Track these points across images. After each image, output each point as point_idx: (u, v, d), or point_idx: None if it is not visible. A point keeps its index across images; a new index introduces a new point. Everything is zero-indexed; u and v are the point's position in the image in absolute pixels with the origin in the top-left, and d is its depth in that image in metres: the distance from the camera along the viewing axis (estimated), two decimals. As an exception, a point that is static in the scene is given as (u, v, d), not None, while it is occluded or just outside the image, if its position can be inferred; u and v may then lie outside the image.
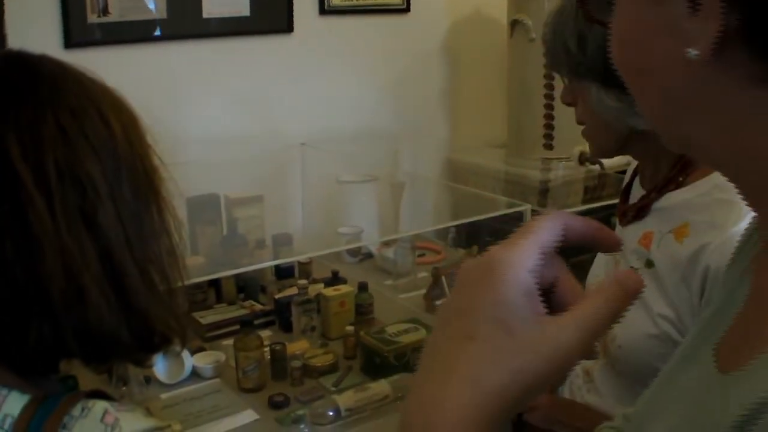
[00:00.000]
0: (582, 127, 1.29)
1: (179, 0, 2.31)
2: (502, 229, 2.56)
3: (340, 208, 2.63)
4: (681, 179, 1.25)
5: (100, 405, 0.79)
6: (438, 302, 2.24)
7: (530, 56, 2.65)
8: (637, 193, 1.34)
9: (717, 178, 1.22)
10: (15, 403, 0.77)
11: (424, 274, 2.44)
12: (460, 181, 2.92)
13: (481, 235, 2.66)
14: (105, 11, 2.18)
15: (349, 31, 2.67)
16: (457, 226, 2.62)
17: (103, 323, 0.78)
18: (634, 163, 1.39)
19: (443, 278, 2.24)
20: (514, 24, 2.70)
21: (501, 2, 2.77)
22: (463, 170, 2.98)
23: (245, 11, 2.43)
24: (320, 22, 2.61)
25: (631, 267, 1.25)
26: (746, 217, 1.20)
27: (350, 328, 1.96)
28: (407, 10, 2.76)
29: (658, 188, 1.26)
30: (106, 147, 0.82)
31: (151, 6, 2.26)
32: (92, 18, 2.18)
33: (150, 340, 0.83)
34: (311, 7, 2.58)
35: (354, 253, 2.60)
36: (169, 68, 2.36)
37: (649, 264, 1.24)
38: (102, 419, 0.78)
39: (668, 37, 0.50)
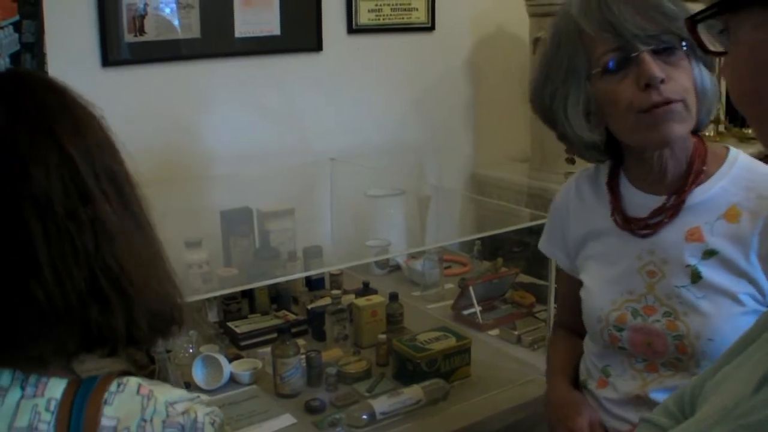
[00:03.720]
0: None
1: (212, 20, 2.38)
2: (526, 241, 2.62)
3: (368, 222, 2.68)
4: (706, 169, 1.32)
5: (133, 380, 0.89)
6: (465, 312, 2.29)
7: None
8: (630, 195, 1.37)
9: (736, 163, 1.33)
10: (56, 387, 0.86)
11: (450, 286, 2.50)
12: (484, 195, 2.98)
13: (506, 247, 2.72)
14: (141, 31, 2.26)
15: (376, 49, 2.74)
16: (482, 239, 2.66)
17: (120, 316, 0.87)
18: (605, 167, 1.44)
19: (470, 288, 2.29)
20: (536, 41, 2.76)
21: (523, 20, 2.83)
22: (487, 184, 3.03)
23: (276, 30, 2.51)
24: (349, 40, 2.68)
25: (687, 266, 1.29)
26: None
27: (382, 337, 2.01)
28: (432, 28, 2.83)
29: (689, 181, 1.31)
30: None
31: (186, 26, 2.34)
32: (129, 38, 2.26)
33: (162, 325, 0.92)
34: (340, 26, 2.65)
35: (382, 265, 2.65)
36: (202, 85, 2.43)
37: (711, 253, 1.29)
38: (138, 392, 0.87)
39: None
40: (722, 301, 1.27)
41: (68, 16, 2.15)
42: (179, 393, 0.92)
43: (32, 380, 0.86)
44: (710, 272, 1.28)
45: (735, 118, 3.41)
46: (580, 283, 1.46)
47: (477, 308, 2.27)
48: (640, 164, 1.35)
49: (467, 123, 3.03)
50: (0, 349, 0.85)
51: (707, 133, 3.40)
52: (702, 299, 1.28)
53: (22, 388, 0.85)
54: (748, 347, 0.70)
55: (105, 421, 0.85)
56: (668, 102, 1.23)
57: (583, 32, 1.28)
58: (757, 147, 3.24)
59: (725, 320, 1.26)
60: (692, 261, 1.30)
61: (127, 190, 0.94)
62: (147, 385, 0.89)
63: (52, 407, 0.85)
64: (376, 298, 2.18)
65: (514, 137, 3.06)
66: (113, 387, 0.87)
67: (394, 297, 2.17)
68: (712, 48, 0.65)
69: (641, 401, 1.35)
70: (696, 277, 1.29)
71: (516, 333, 2.15)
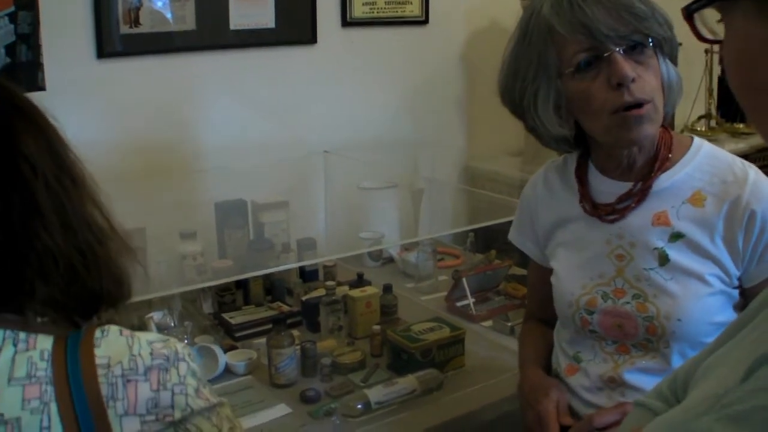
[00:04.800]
0: None
1: (208, 12, 2.39)
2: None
3: (361, 214, 2.70)
4: (672, 156, 1.37)
5: (113, 327, 0.98)
6: (459, 303, 2.30)
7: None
8: (598, 183, 1.41)
9: (700, 151, 1.38)
10: (45, 340, 0.94)
11: (444, 278, 2.52)
12: (477, 187, 2.99)
13: (499, 239, 2.73)
14: (136, 22, 2.27)
15: (370, 42, 2.75)
16: (475, 231, 2.68)
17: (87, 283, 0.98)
18: (572, 158, 1.47)
19: (464, 280, 2.31)
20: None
21: (516, 13, 2.83)
22: (480, 177, 3.05)
23: (271, 23, 2.51)
24: (343, 33, 2.69)
25: (654, 248, 1.34)
26: (749, 166, 1.35)
27: (377, 328, 2.03)
28: (426, 21, 2.84)
29: (654, 168, 1.36)
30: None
31: (181, 18, 2.34)
32: (124, 29, 2.26)
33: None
34: (334, 18, 2.66)
35: (375, 257, 2.67)
36: (197, 78, 2.44)
37: (677, 236, 1.34)
38: (120, 334, 0.97)
39: None
40: (690, 282, 1.32)
41: (64, 7, 2.16)
42: (155, 334, 1.03)
43: (22, 336, 0.93)
44: (677, 254, 1.33)
45: (727, 113, 3.43)
46: (549, 273, 1.49)
47: (470, 300, 2.29)
48: (608, 156, 1.39)
49: (461, 116, 3.05)
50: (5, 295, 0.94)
51: (699, 128, 3.44)
52: (670, 281, 1.33)
53: (14, 345, 0.92)
54: (742, 330, 0.72)
55: (98, 360, 0.93)
56: (639, 104, 1.27)
57: (555, 31, 1.30)
58: (750, 142, 3.28)
59: (693, 301, 1.30)
60: (660, 244, 1.34)
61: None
62: (126, 330, 0.99)
63: (45, 356, 0.92)
64: (370, 290, 2.19)
65: (507, 130, 3.05)
66: (98, 333, 0.96)
67: (388, 288, 2.19)
68: (709, 36, 0.66)
69: (615, 383, 1.39)
70: (664, 260, 1.34)
71: (509, 324, 2.17)
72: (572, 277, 1.44)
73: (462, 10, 2.93)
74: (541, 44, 1.33)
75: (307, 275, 2.39)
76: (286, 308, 2.23)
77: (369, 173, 2.70)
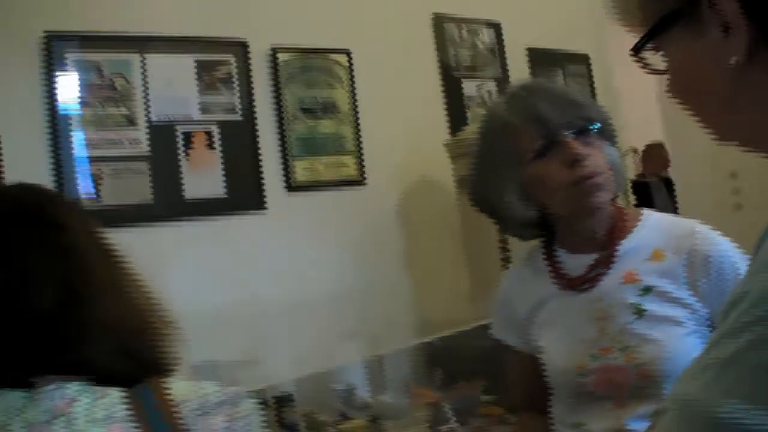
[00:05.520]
0: None
1: (163, 184, 2.50)
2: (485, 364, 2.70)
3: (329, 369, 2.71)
4: (627, 225, 1.54)
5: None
6: (443, 428, 2.31)
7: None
8: (566, 259, 1.55)
9: (650, 217, 1.56)
10: (116, 390, 0.99)
11: (420, 413, 2.52)
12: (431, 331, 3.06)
13: (466, 371, 2.79)
14: (97, 195, 2.35)
15: (314, 204, 2.89)
16: (440, 370, 2.72)
17: None
18: (537, 248, 1.63)
19: (445, 405, 2.33)
20: (461, 181, 2.99)
21: (446, 166, 3.08)
22: (433, 323, 3.12)
23: (221, 191, 2.64)
24: (289, 198, 2.83)
25: (630, 304, 1.47)
26: (692, 221, 1.54)
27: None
28: (363, 181, 3.02)
29: (614, 238, 1.53)
30: None
31: (138, 190, 2.45)
32: (85, 203, 2.34)
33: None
34: (279, 184, 2.81)
35: (350, 405, 2.65)
36: (155, 247, 2.49)
37: (648, 290, 1.47)
38: (182, 382, 1.03)
39: (713, 58, 0.71)
40: (667, 327, 1.44)
41: (26, 176, 2.23)
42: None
43: (95, 387, 0.99)
44: (651, 305, 1.46)
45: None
46: (534, 362, 1.59)
47: (454, 423, 2.30)
48: (571, 232, 1.55)
49: (405, 267, 3.16)
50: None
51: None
52: (650, 329, 1.45)
53: (90, 393, 0.98)
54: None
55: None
56: (593, 175, 1.46)
57: (511, 126, 1.51)
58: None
59: (674, 342, 1.42)
60: (633, 299, 1.47)
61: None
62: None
63: (121, 401, 0.98)
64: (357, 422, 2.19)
65: (453, 277, 3.21)
66: (163, 382, 1.02)
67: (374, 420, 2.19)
68: (660, 68, 0.83)
69: None
70: (640, 312, 1.46)
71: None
72: (560, 348, 1.53)
73: (394, 168, 3.13)
74: (501, 140, 1.54)
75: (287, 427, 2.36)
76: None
77: (329, 326, 2.75)
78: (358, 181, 3.02)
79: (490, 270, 2.97)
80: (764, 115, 0.72)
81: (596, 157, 1.48)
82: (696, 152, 4.23)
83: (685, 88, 0.79)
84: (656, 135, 5.54)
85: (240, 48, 2.65)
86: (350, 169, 2.99)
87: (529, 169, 1.50)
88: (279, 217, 2.80)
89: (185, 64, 2.54)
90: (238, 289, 2.66)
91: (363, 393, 2.66)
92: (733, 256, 1.46)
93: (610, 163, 1.52)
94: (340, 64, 2.94)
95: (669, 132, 4.98)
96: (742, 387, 0.61)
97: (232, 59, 2.64)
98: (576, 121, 1.49)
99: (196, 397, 1.00)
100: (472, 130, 3.01)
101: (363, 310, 3.02)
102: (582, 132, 1.49)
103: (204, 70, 2.57)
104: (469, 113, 3.38)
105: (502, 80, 3.54)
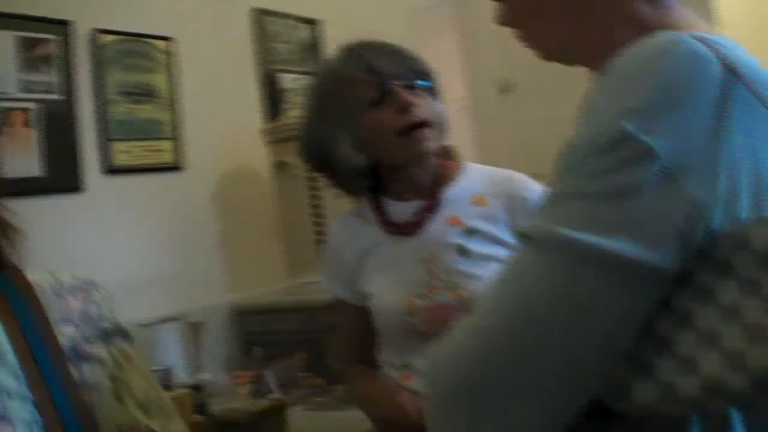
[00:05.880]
0: None
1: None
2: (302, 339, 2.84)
3: (146, 349, 2.73)
4: (450, 174, 1.68)
5: None
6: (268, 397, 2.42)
7: (297, 189, 3.09)
8: (393, 208, 1.65)
9: (470, 167, 1.71)
10: None
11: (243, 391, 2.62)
12: (248, 318, 3.15)
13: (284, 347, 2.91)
14: None
15: (132, 188, 2.90)
16: (263, 348, 2.83)
17: None
18: (364, 200, 1.71)
19: (266, 373, 2.44)
20: (279, 165, 3.12)
21: (261, 153, 3.19)
22: (248, 313, 3.21)
23: (36, 172, 2.59)
24: (107, 180, 2.82)
25: (454, 244, 1.59)
26: (509, 170, 1.69)
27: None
28: (180, 168, 3.06)
29: (438, 186, 1.65)
30: None
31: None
32: None
33: None
34: (97, 167, 2.79)
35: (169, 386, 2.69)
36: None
37: (471, 232, 1.61)
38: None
39: None
40: (489, 264, 1.56)
41: None
42: None
43: None
44: (474, 245, 1.59)
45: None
46: (362, 312, 1.66)
47: (276, 391, 2.42)
48: (399, 180, 1.65)
49: (221, 251, 3.23)
50: None
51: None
52: (474, 267, 1.56)
53: None
54: None
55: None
56: (422, 124, 1.59)
57: (346, 78, 1.61)
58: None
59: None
60: (458, 240, 1.60)
61: None
62: None
63: None
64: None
65: (268, 261, 3.32)
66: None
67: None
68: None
69: None
70: (464, 252, 1.59)
71: (321, 399, 2.33)
72: (390, 291, 1.61)
73: (212, 155, 3.18)
74: (336, 91, 1.62)
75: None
76: None
77: (144, 310, 2.78)
78: (176, 166, 3.05)
79: (305, 253, 3.11)
80: (611, 18, 0.87)
81: (424, 107, 1.60)
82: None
83: (522, 4, 0.90)
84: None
85: (62, 27, 2.62)
86: (168, 155, 3.02)
87: (363, 118, 1.59)
88: (96, 200, 2.78)
89: (4, 40, 2.48)
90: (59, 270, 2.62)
91: (182, 374, 2.71)
92: None
93: (437, 117, 1.64)
94: (162, 50, 2.97)
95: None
96: (576, 215, 0.72)
97: (54, 38, 2.60)
98: (408, 74, 1.61)
99: (51, 281, 1.02)
100: (287, 118, 3.14)
101: (180, 293, 3.05)
102: (410, 87, 1.60)
103: (24, 47, 2.51)
104: (285, 105, 3.50)
105: (316, 75, 3.69)
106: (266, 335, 3.02)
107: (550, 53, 0.95)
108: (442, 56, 3.26)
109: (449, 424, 0.77)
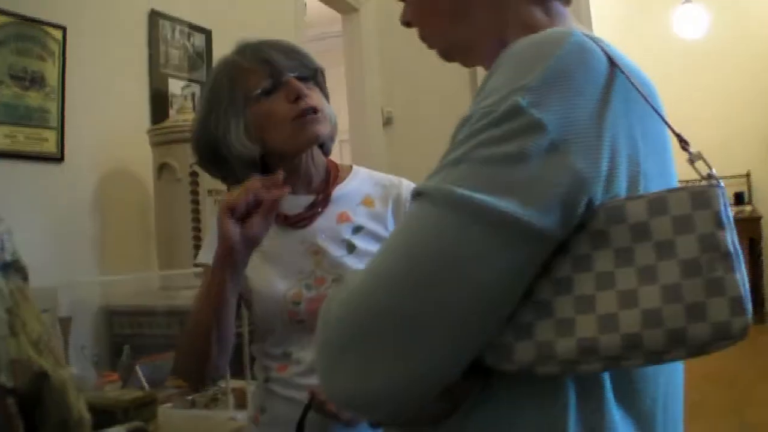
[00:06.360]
0: None
1: None
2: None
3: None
4: (339, 174, 1.77)
5: None
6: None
7: (178, 193, 3.09)
8: (284, 200, 1.52)
9: (360, 171, 1.80)
10: None
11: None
12: (118, 319, 3.11)
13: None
14: None
15: (12, 175, 2.81)
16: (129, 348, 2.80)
17: None
18: None
19: (138, 368, 2.42)
20: (162, 167, 3.11)
21: (145, 154, 3.18)
22: (121, 314, 3.17)
23: None
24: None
25: (343, 240, 1.66)
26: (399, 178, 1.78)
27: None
28: (62, 159, 3.00)
29: (329, 185, 1.73)
30: None
31: None
32: None
33: None
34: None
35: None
36: None
37: (359, 229, 1.69)
38: None
39: None
40: None
41: None
42: None
43: None
44: (361, 242, 1.68)
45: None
46: None
47: (146, 386, 2.41)
48: (290, 173, 1.64)
49: (94, 248, 3.18)
50: None
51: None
52: (359, 263, 1.62)
53: None
54: None
55: None
56: (314, 110, 1.64)
57: (241, 68, 1.66)
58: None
59: None
60: (346, 236, 1.68)
61: None
62: None
63: None
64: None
65: (143, 262, 3.29)
66: None
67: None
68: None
69: None
70: (351, 248, 1.66)
71: (190, 398, 2.34)
72: (277, 279, 1.64)
73: (94, 149, 3.13)
74: (230, 81, 1.67)
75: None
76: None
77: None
78: (57, 158, 2.99)
79: (181, 257, 3.11)
80: (503, 21, 0.96)
81: (314, 97, 1.66)
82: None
83: (419, 4, 0.99)
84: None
85: (-47, 2, 2.55)
86: (50, 144, 2.96)
87: (256, 107, 1.62)
88: (-28, 181, 2.70)
89: None
90: None
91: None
92: None
93: (327, 109, 1.69)
94: (55, 39, 2.92)
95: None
96: (469, 177, 0.78)
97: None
98: (300, 67, 1.67)
99: None
100: (173, 121, 3.15)
101: (49, 286, 2.98)
102: (303, 78, 1.66)
103: None
104: (171, 110, 3.50)
105: (206, 85, 3.72)
106: (135, 337, 2.99)
107: (447, 51, 1.04)
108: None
109: (341, 370, 0.79)
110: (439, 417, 0.86)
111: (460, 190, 0.77)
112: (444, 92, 4.83)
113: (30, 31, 2.84)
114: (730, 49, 7.80)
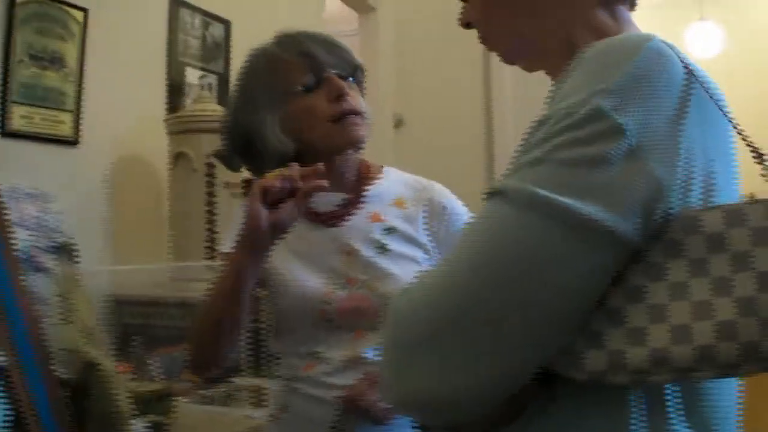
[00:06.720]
0: None
1: None
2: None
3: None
4: (372, 174, 1.73)
5: None
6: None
7: (193, 184, 3.04)
8: (316, 196, 1.48)
9: (392, 171, 1.77)
10: None
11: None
12: (128, 309, 3.06)
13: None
14: None
15: (28, 156, 2.77)
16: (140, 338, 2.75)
17: None
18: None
19: (150, 361, 2.37)
20: (177, 157, 3.07)
21: (161, 142, 3.13)
22: (130, 303, 3.12)
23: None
24: (1, 144, 2.68)
25: (374, 240, 1.63)
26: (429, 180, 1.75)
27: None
28: (77, 143, 2.95)
29: (361, 184, 1.70)
30: None
31: None
32: None
33: None
34: (-8, 127, 2.66)
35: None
36: None
37: (391, 230, 1.66)
38: None
39: None
40: (406, 264, 1.62)
41: None
42: None
43: None
44: (393, 244, 1.64)
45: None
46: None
47: (160, 381, 2.36)
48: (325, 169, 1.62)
49: (105, 234, 3.13)
50: None
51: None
52: (391, 264, 1.61)
53: None
54: None
55: None
56: (354, 112, 1.62)
57: (281, 60, 1.62)
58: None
59: (411, 278, 1.62)
60: (378, 236, 1.64)
61: None
62: None
63: None
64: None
65: (154, 253, 3.24)
66: None
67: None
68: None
69: (357, 361, 1.56)
70: (383, 249, 1.64)
71: (206, 394, 2.29)
72: (308, 276, 1.61)
73: (111, 134, 3.09)
74: (268, 74, 1.62)
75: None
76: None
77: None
78: (73, 141, 2.95)
79: (193, 247, 3.06)
80: (571, 21, 0.94)
81: (356, 97, 1.63)
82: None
83: (488, 4, 0.97)
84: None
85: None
86: (66, 127, 2.92)
87: (296, 103, 1.60)
88: (-10, 163, 2.64)
89: None
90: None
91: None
92: (465, 213, 1.69)
93: (366, 111, 1.66)
94: (76, 20, 2.88)
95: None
96: (550, 178, 0.77)
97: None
98: (341, 63, 1.63)
99: (6, 185, 1.01)
100: (191, 110, 3.11)
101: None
102: (345, 76, 1.63)
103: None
104: (187, 99, 3.46)
105: (224, 76, 3.68)
106: (145, 327, 2.94)
107: (510, 53, 1.03)
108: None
109: (416, 369, 0.78)
110: (502, 422, 0.84)
111: (543, 192, 0.76)
112: (455, 96, 4.80)
113: (51, 11, 2.79)
114: (743, 68, 7.79)
